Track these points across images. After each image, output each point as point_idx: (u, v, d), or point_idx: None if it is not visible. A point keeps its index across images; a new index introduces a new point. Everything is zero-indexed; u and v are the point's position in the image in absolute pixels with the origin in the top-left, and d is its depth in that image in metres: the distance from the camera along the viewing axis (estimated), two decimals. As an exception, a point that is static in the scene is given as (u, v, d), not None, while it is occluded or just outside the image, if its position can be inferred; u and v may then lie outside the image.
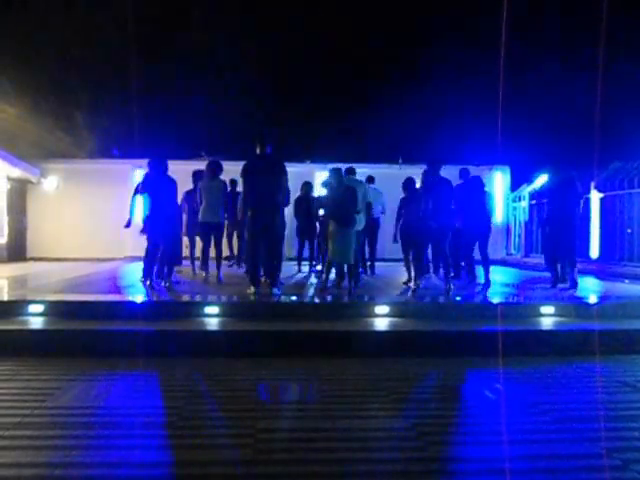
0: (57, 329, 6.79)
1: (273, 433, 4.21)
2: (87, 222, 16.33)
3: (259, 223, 8.41)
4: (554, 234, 9.52)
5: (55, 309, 7.36)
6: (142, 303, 7.73)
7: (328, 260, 9.09)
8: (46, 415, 4.49)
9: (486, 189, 10.34)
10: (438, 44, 23.31)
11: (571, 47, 21.68)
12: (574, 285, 9.35)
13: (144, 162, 9.78)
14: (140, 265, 9.46)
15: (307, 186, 12.14)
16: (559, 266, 9.80)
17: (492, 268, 10.28)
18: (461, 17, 23.84)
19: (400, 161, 16.19)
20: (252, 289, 8.45)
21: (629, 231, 13.16)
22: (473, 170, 11.40)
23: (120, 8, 19.13)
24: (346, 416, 4.54)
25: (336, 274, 9.35)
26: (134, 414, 4.53)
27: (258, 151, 8.60)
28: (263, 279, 8.82)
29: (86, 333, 6.64)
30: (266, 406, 4.80)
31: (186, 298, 8.34)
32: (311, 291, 9.41)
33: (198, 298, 8.22)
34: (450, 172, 10.43)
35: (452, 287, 9.01)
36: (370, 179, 11.47)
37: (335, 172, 9.17)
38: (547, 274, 10.03)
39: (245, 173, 8.49)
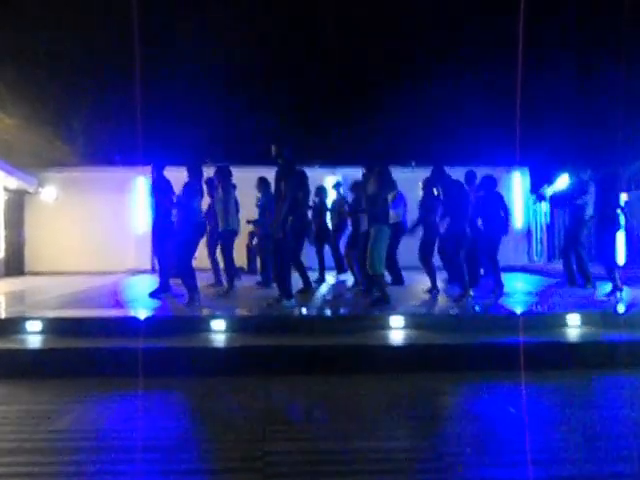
0: (55, 348, 6.74)
1: (283, 456, 4.15)
2: (88, 234, 16.26)
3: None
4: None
5: (53, 326, 7.31)
6: (144, 319, 7.69)
7: (377, 273, 8.56)
8: (44, 440, 4.46)
9: (497, 190, 10.19)
10: (453, 41, 23.29)
11: (592, 44, 21.57)
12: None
13: (146, 169, 9.83)
14: (143, 278, 9.46)
15: (321, 191, 12.00)
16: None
17: (513, 276, 10.19)
18: (477, 13, 23.78)
19: (413, 164, 16.13)
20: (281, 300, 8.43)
21: None
22: (490, 171, 11.35)
23: (119, 13, 19.21)
24: (361, 436, 4.48)
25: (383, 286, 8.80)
26: (135, 437, 4.48)
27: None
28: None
29: (85, 352, 6.60)
30: (276, 427, 4.73)
31: (191, 312, 8.30)
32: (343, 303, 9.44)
33: (205, 312, 8.19)
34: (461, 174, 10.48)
35: (471, 296, 8.94)
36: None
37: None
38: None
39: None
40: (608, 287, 9.57)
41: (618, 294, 9.34)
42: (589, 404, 5.38)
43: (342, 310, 8.64)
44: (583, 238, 10.40)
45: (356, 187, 10.60)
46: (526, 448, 4.23)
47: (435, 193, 9.69)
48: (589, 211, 10.09)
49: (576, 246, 10.51)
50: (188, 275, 8.66)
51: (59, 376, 6.22)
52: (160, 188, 9.51)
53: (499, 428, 4.73)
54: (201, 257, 10.23)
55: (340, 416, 4.98)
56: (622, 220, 9.58)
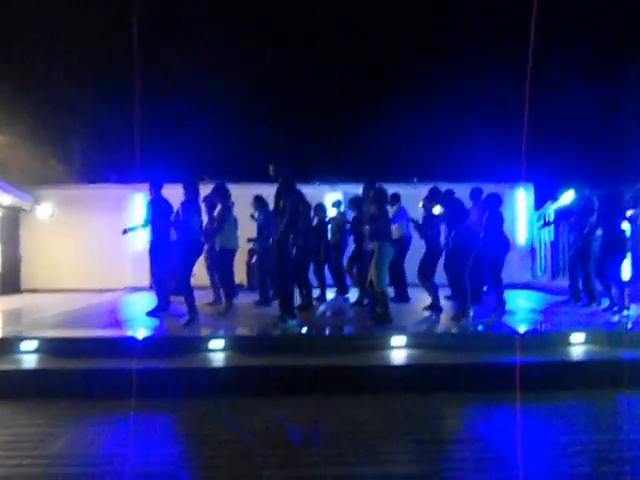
0: (49, 368, 6.67)
1: (281, 482, 4.08)
2: (84, 251, 16.20)
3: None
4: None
5: (47, 346, 7.24)
6: (140, 338, 7.60)
7: (382, 291, 8.59)
8: (34, 465, 4.38)
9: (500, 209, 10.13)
10: (459, 57, 23.33)
11: (599, 61, 21.60)
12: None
13: (143, 186, 9.79)
14: (140, 296, 9.41)
15: (320, 208, 11.95)
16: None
17: (516, 293, 10.13)
18: (482, 28, 23.84)
19: (415, 180, 16.08)
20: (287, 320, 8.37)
21: None
22: (493, 187, 11.31)
23: (116, 30, 19.26)
24: (361, 461, 4.40)
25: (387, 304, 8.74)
26: (128, 463, 4.40)
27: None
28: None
29: (79, 373, 6.52)
30: (274, 451, 4.65)
31: (189, 332, 8.22)
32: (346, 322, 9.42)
33: (203, 332, 8.12)
34: (464, 191, 10.50)
35: (471, 314, 8.88)
36: (396, 197, 11.17)
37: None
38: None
39: None
40: (614, 305, 9.55)
41: (625, 312, 9.31)
42: (596, 426, 5.29)
43: (343, 329, 8.55)
44: (590, 255, 10.36)
45: (356, 203, 10.55)
46: (534, 474, 4.15)
47: (437, 212, 9.63)
48: (594, 228, 10.07)
49: (583, 263, 10.48)
50: (187, 293, 8.65)
51: (53, 398, 6.14)
52: (158, 207, 9.50)
53: (505, 451, 4.64)
54: (199, 274, 10.18)
55: (341, 439, 4.89)
56: (629, 238, 9.58)
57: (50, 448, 4.72)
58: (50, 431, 5.14)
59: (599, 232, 9.93)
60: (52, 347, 7.25)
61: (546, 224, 16.36)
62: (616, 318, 9.02)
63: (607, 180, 10.25)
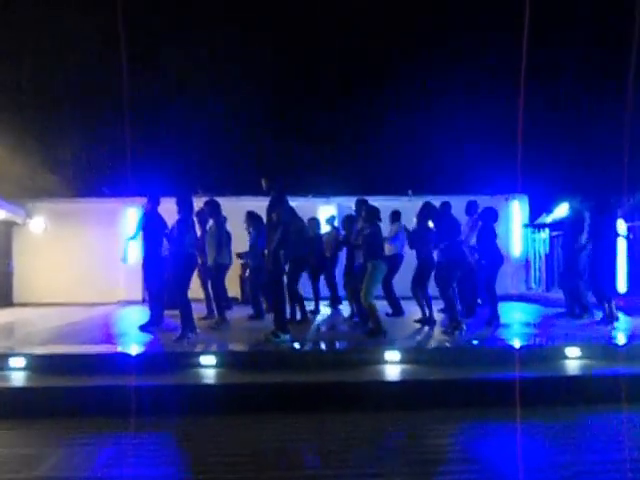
0: (37, 386, 6.56)
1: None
2: (77, 265, 16.06)
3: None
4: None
5: (36, 363, 7.12)
6: (132, 355, 7.49)
7: (370, 305, 8.65)
8: (21, 489, 4.27)
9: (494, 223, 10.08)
10: (451, 69, 23.30)
11: (592, 70, 21.61)
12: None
13: (137, 200, 9.74)
14: (133, 310, 9.33)
15: (314, 222, 11.91)
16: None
17: (510, 305, 10.11)
18: (473, 37, 23.83)
19: (410, 193, 16.00)
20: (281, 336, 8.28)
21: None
22: (488, 201, 11.29)
23: (107, 41, 19.19)
24: (356, 484, 4.31)
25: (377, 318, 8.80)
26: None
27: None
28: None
29: (69, 390, 6.41)
30: (265, 474, 4.54)
31: (181, 348, 8.12)
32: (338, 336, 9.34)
33: (195, 348, 8.01)
34: (460, 204, 10.51)
35: (464, 327, 8.83)
36: (397, 215, 11.17)
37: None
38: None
39: None
40: (603, 316, 9.60)
41: (615, 323, 9.36)
42: (596, 445, 5.20)
43: (336, 345, 8.45)
44: (580, 267, 10.36)
45: (349, 222, 10.55)
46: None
47: (430, 226, 9.62)
48: (584, 240, 10.11)
49: (573, 275, 10.47)
50: (185, 309, 8.58)
51: (41, 417, 6.03)
52: (152, 221, 9.44)
53: (502, 473, 4.55)
54: (193, 288, 10.07)
55: (333, 460, 4.79)
56: (618, 248, 9.62)
57: (36, 471, 4.60)
58: (36, 453, 5.02)
59: (588, 244, 9.97)
60: (40, 364, 7.13)
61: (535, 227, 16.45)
62: (608, 330, 9.01)
63: (600, 192, 10.23)
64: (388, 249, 10.48)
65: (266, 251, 8.65)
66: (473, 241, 10.13)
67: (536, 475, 4.43)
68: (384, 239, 9.70)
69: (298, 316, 10.47)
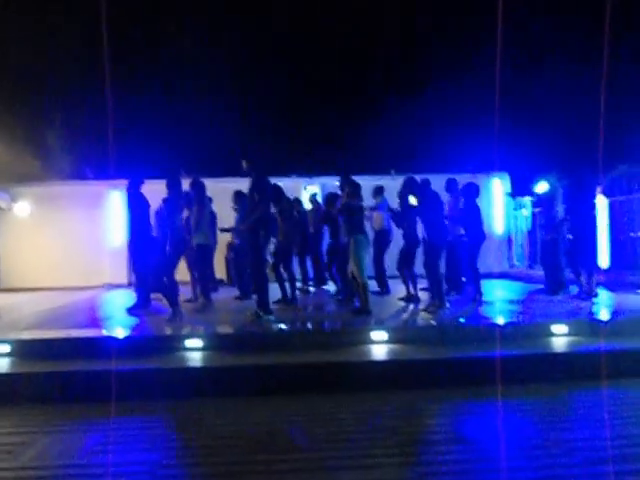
0: (22, 372, 6.39)
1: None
2: (62, 249, 15.82)
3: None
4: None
5: (21, 349, 6.95)
6: (118, 338, 7.32)
7: (363, 283, 8.60)
8: (5, 478, 4.12)
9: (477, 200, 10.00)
10: (433, 47, 23.16)
11: (572, 47, 21.50)
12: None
13: (120, 183, 9.55)
14: (119, 293, 9.19)
15: (298, 202, 11.85)
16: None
17: (494, 282, 10.08)
18: (454, 17, 23.69)
19: (392, 172, 15.84)
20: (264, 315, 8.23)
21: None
22: (469, 179, 11.21)
23: (91, 23, 18.85)
24: (346, 466, 4.18)
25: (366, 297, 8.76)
26: (104, 473, 4.16)
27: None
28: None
29: (56, 376, 6.25)
30: (254, 457, 4.42)
31: (167, 331, 7.98)
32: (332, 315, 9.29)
33: (181, 330, 7.87)
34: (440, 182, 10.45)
35: (447, 305, 8.80)
36: (379, 190, 11.14)
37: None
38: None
39: None
40: (579, 292, 9.59)
41: (594, 299, 9.48)
42: (584, 421, 5.12)
43: (323, 325, 8.33)
44: (558, 244, 10.33)
45: (331, 199, 10.65)
46: (525, 476, 3.97)
47: (413, 203, 9.51)
48: (560, 216, 10.10)
49: (552, 252, 10.45)
50: (172, 290, 8.45)
51: (26, 403, 5.89)
52: (137, 204, 9.25)
53: (492, 452, 4.45)
54: (178, 270, 9.92)
55: (323, 443, 4.67)
56: (599, 225, 9.61)
57: (21, 458, 4.45)
58: (22, 439, 4.86)
59: (565, 221, 9.98)
60: (25, 349, 6.97)
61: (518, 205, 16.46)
62: (588, 306, 8.97)
63: (577, 168, 10.19)
64: (376, 222, 10.47)
65: (241, 227, 8.67)
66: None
67: (525, 453, 4.33)
68: (372, 208, 9.69)
69: (289, 295, 10.33)
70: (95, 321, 9.15)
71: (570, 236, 9.98)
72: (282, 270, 10.11)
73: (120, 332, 7.62)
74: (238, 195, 10.69)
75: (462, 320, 8.11)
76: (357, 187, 9.05)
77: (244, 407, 5.68)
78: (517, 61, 20.42)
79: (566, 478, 3.90)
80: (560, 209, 10.20)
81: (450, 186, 10.65)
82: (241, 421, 5.30)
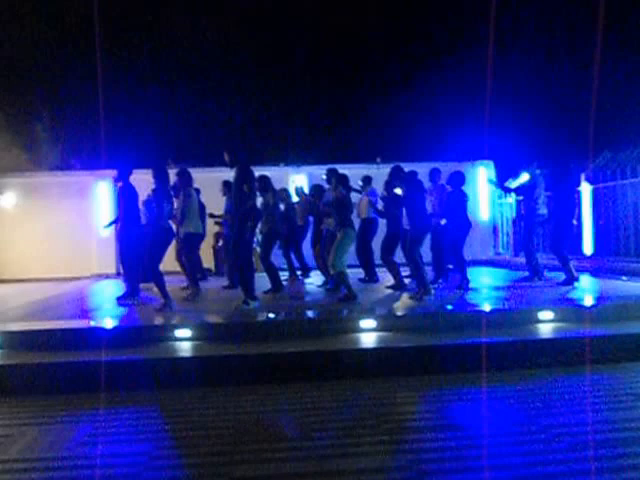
0: (12, 364, 6.30)
1: (252, 482, 3.81)
2: (50, 239, 15.64)
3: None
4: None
5: (10, 340, 6.87)
6: (106, 329, 7.25)
7: (340, 272, 8.60)
8: (-7, 472, 4.06)
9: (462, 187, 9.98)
10: (417, 37, 23.07)
11: (556, 35, 21.51)
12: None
13: (107, 173, 9.46)
14: (108, 283, 9.11)
15: (285, 193, 11.78)
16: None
17: (479, 269, 10.11)
18: (438, 5, 23.60)
19: (378, 160, 15.78)
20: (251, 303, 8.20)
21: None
22: (455, 166, 11.22)
23: (78, 14, 18.68)
24: (335, 454, 4.15)
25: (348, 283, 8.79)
26: (93, 465, 4.10)
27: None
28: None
29: (45, 367, 6.17)
30: (244, 447, 4.37)
31: (155, 321, 7.91)
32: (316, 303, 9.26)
33: (168, 320, 7.80)
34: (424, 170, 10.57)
35: (433, 292, 8.82)
36: (368, 179, 11.14)
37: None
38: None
39: None
40: (566, 278, 9.62)
41: (575, 284, 9.56)
42: (572, 407, 5.10)
43: (311, 314, 8.27)
44: (534, 232, 10.42)
45: (317, 191, 10.73)
46: (513, 462, 3.95)
47: (399, 192, 9.52)
48: (540, 205, 10.14)
49: (529, 239, 10.52)
50: (157, 279, 8.40)
51: (14, 395, 5.82)
52: (126, 194, 9.16)
53: (481, 438, 4.42)
54: (166, 260, 9.84)
55: (311, 432, 4.64)
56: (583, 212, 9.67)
57: (9, 452, 4.37)
58: (9, 432, 4.79)
59: (544, 210, 10.04)
60: (12, 341, 6.87)
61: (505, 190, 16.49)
62: (572, 291, 9.09)
63: (559, 158, 10.24)
64: (363, 209, 10.47)
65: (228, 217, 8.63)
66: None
67: (515, 439, 4.32)
68: (363, 196, 9.69)
69: (278, 284, 10.27)
70: (84, 312, 9.07)
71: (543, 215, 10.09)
72: (265, 260, 10.07)
73: (109, 322, 7.56)
74: (227, 185, 10.62)
75: (449, 307, 8.09)
76: (345, 179, 9.14)
77: (233, 397, 5.63)
78: (502, 49, 20.36)
79: (552, 463, 3.88)
80: (541, 198, 10.26)
81: (433, 175, 10.68)
82: (230, 411, 5.25)
